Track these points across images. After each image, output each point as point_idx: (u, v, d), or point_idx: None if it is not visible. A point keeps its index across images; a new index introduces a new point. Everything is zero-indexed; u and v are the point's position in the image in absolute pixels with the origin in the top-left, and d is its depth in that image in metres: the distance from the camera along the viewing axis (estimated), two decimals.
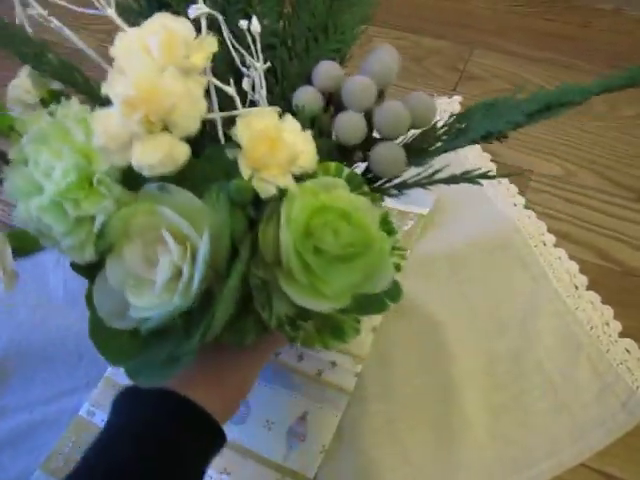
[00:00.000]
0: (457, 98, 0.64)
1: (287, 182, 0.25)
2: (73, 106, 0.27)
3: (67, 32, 0.27)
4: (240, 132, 0.24)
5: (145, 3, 0.32)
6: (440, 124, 0.30)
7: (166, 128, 0.22)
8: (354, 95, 0.28)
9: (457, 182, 0.29)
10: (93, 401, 0.45)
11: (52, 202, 0.26)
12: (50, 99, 0.33)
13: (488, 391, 0.44)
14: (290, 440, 0.43)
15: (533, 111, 0.23)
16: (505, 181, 0.57)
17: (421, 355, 0.47)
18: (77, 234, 0.27)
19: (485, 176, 0.29)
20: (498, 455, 0.40)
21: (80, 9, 0.27)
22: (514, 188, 0.56)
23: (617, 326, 0.45)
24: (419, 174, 0.31)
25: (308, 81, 0.30)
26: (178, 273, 0.27)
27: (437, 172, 0.30)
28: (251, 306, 0.29)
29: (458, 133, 0.26)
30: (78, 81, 0.28)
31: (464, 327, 0.47)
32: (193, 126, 0.22)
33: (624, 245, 0.50)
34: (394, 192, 0.30)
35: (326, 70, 0.28)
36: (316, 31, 0.29)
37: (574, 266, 0.48)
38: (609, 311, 0.45)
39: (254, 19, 0.24)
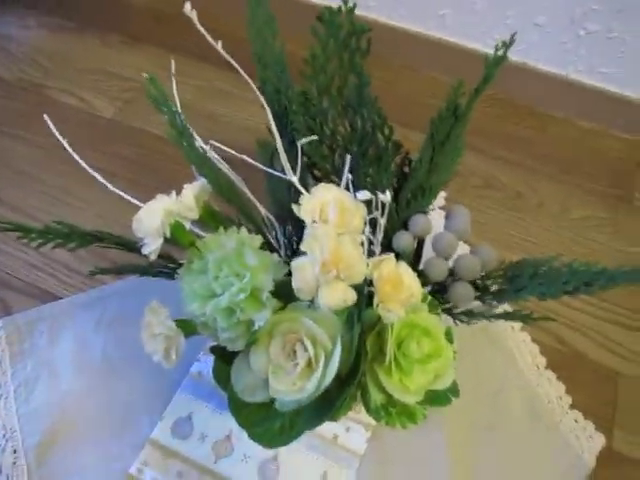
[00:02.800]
0: (442, 194, 0.86)
1: (403, 313, 0.44)
2: (245, 235, 0.44)
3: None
4: (374, 273, 0.43)
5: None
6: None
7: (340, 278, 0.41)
8: (443, 246, 0.47)
9: (511, 319, 0.51)
10: (141, 461, 0.59)
11: (227, 307, 0.43)
12: (205, 217, 0.49)
13: (467, 452, 0.67)
14: None
15: (578, 286, 0.44)
16: None
17: (419, 429, 0.68)
18: (236, 330, 0.44)
19: (536, 318, 0.51)
20: None
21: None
22: None
23: (568, 400, 0.67)
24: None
25: (404, 227, 0.50)
26: (310, 366, 0.46)
27: (495, 307, 0.51)
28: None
29: (513, 282, 0.48)
30: (239, 203, 0.46)
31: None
32: (360, 278, 0.41)
33: (576, 333, 0.73)
34: (462, 317, 0.52)
35: (422, 222, 0.47)
36: (416, 192, 0.50)
37: (535, 348, 0.71)
38: (562, 387, 0.68)
39: (387, 193, 0.43)
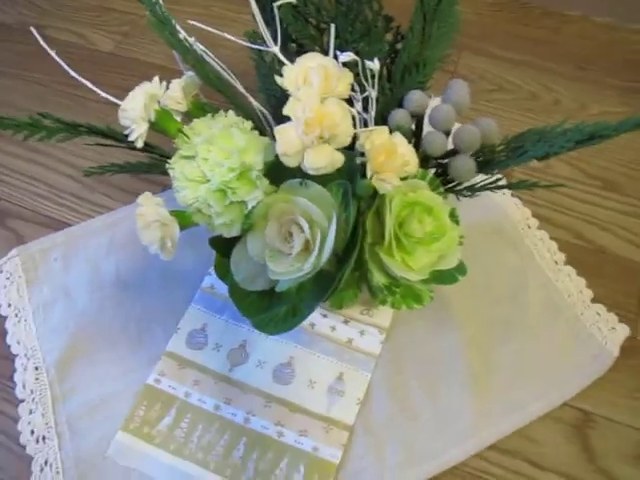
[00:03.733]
0: None
1: (398, 182, 0.43)
2: (232, 117, 0.43)
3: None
4: (366, 144, 0.42)
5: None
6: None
7: (326, 141, 0.39)
8: (439, 119, 0.45)
9: (516, 188, 0.49)
10: (158, 372, 0.60)
11: (218, 189, 0.42)
12: (194, 110, 0.48)
13: (485, 349, 0.66)
14: (331, 396, 0.60)
15: (579, 140, 0.42)
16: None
17: (428, 325, 0.67)
18: (230, 214, 0.43)
19: (543, 185, 0.49)
20: (495, 398, 0.61)
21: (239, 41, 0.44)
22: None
23: (589, 294, 0.65)
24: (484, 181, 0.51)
25: (400, 105, 0.48)
26: (307, 248, 0.45)
27: (500, 179, 0.49)
28: (351, 280, 0.47)
29: (516, 151, 0.46)
30: (229, 93, 0.44)
31: (465, 299, 0.68)
32: (347, 140, 0.39)
33: (594, 227, 0.71)
34: (466, 193, 0.50)
35: (417, 98, 0.45)
36: (410, 66, 0.47)
37: (554, 245, 0.69)
38: (582, 282, 0.66)
39: (376, 60, 0.41)
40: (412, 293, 0.47)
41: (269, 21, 0.48)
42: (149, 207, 0.43)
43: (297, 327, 0.61)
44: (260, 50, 0.51)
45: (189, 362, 0.61)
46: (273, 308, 0.46)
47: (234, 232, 0.44)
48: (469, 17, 0.92)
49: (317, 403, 0.59)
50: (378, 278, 0.45)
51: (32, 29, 0.48)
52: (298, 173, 0.42)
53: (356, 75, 0.43)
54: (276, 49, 0.40)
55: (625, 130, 0.38)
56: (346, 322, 0.63)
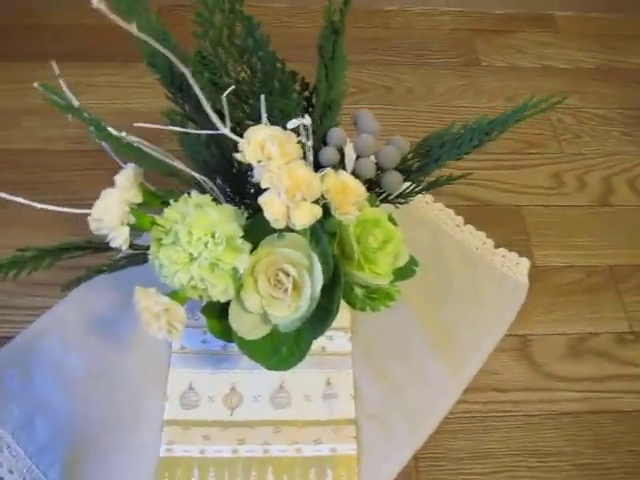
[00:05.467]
0: None
1: (357, 212, 0.50)
2: (198, 197, 0.47)
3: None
4: (323, 188, 0.48)
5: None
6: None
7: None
8: (364, 148, 0.53)
9: (438, 186, 0.59)
10: (167, 442, 0.62)
11: (210, 264, 0.47)
12: (147, 198, 0.50)
13: (430, 313, 0.76)
14: (327, 401, 0.67)
15: (481, 138, 0.52)
16: None
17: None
18: (223, 282, 0.48)
19: (457, 177, 0.59)
20: (454, 349, 0.72)
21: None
22: None
23: (491, 242, 0.79)
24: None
25: (323, 142, 0.55)
26: (297, 287, 0.51)
27: (422, 182, 0.58)
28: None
29: (427, 156, 0.55)
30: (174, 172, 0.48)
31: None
32: (318, 194, 0.45)
33: (475, 187, 0.85)
34: (400, 200, 0.58)
35: (338, 135, 0.52)
36: (324, 109, 0.54)
37: (451, 212, 0.82)
38: (482, 234, 0.79)
39: (306, 116, 0.47)
40: (385, 294, 0.55)
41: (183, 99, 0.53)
42: (148, 299, 0.46)
43: None
44: (181, 122, 0.55)
45: (191, 422, 0.64)
46: (279, 346, 0.51)
47: (230, 295, 0.48)
48: (302, 31, 1.01)
49: (319, 412, 0.66)
50: (357, 291, 0.53)
51: None
52: (271, 229, 0.48)
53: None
54: (227, 130, 0.45)
55: (521, 118, 0.49)
56: None
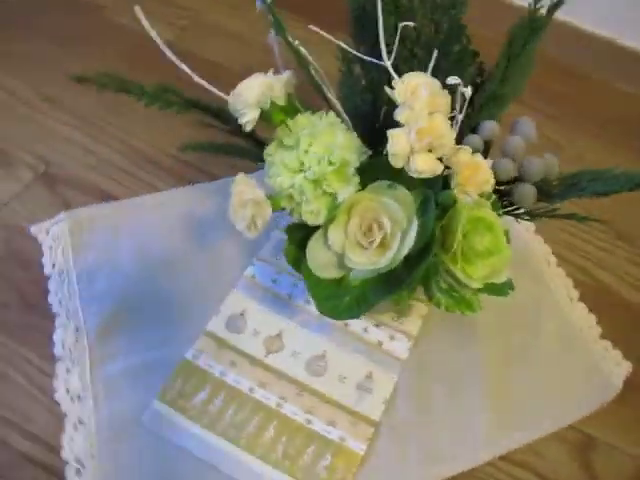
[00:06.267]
0: None
1: (477, 196, 0.47)
2: (333, 117, 0.47)
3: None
4: (453, 159, 0.46)
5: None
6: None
7: (430, 149, 0.43)
8: (512, 148, 0.50)
9: (569, 218, 0.54)
10: (197, 348, 0.63)
11: (315, 180, 0.46)
12: (288, 106, 0.52)
13: (502, 368, 0.70)
14: (359, 392, 0.64)
15: (632, 186, 0.47)
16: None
17: (453, 338, 0.71)
18: (319, 203, 0.47)
19: (591, 219, 0.54)
20: (510, 412, 0.63)
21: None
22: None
23: (598, 330, 0.70)
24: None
25: (472, 131, 0.53)
26: (384, 245, 0.49)
27: (556, 209, 0.54)
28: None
29: (572, 187, 0.51)
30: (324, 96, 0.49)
31: (488, 320, 0.72)
32: (448, 152, 0.43)
33: (605, 271, 0.77)
34: (524, 217, 0.55)
35: (491, 128, 0.49)
36: (490, 99, 0.52)
37: (569, 282, 0.75)
38: (593, 318, 0.71)
39: (469, 87, 0.46)
40: (465, 300, 0.51)
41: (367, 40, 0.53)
42: (246, 186, 0.46)
43: (332, 324, 0.65)
44: (349, 64, 0.56)
45: (227, 343, 0.64)
46: (340, 296, 0.49)
47: (319, 220, 0.47)
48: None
49: (346, 397, 0.62)
50: (441, 281, 0.49)
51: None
52: (386, 178, 0.46)
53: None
54: (389, 64, 0.44)
55: None
56: (377, 326, 0.67)
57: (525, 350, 0.69)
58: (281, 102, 0.50)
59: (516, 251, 0.75)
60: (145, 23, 0.51)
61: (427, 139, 0.41)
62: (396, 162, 0.42)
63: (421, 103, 0.42)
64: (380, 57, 0.50)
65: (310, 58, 0.50)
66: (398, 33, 0.43)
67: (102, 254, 0.69)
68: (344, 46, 0.50)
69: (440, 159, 0.44)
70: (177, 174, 0.78)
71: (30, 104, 0.83)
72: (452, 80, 0.42)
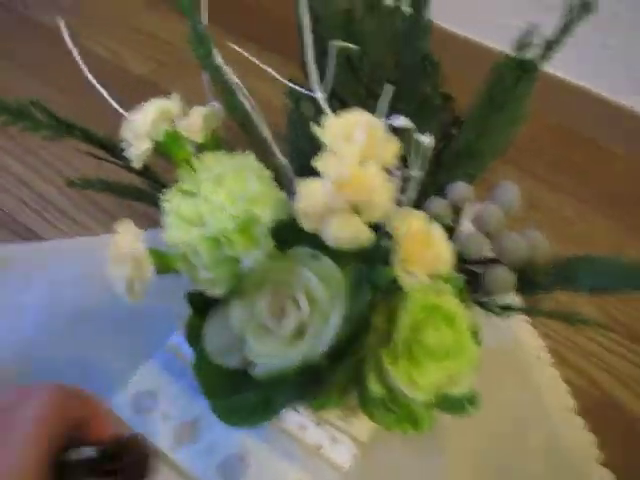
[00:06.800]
0: None
1: (425, 279, 0.36)
2: (250, 159, 0.37)
3: None
4: (398, 227, 0.35)
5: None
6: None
7: (356, 211, 0.32)
8: (486, 220, 0.38)
9: (555, 318, 0.42)
10: None
11: (213, 236, 0.35)
12: (211, 144, 0.42)
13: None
14: None
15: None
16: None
17: (412, 448, 0.56)
18: (219, 269, 0.36)
19: (585, 321, 0.42)
20: None
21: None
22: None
23: (598, 455, 0.56)
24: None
25: (438, 193, 0.42)
26: (300, 332, 0.37)
27: (536, 305, 0.42)
28: (339, 382, 0.39)
29: (563, 276, 0.40)
30: (252, 133, 0.39)
31: (458, 427, 0.59)
32: (379, 215, 0.31)
33: (614, 379, 0.63)
34: (496, 310, 0.42)
35: (462, 191, 0.39)
36: (464, 154, 0.42)
37: (565, 389, 0.61)
38: (592, 439, 0.57)
39: (430, 137, 0.36)
40: (410, 415, 0.39)
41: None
42: (126, 237, 0.36)
43: None
44: (297, 96, 0.46)
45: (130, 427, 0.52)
46: (242, 393, 0.37)
47: (217, 292, 0.36)
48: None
49: None
50: (375, 388, 0.37)
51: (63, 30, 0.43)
52: (309, 243, 0.35)
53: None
54: (321, 96, 0.34)
55: None
56: (318, 424, 0.54)
57: (504, 471, 0.55)
58: (198, 138, 0.40)
59: (501, 345, 0.64)
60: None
61: (348, 194, 0.30)
62: (306, 223, 0.31)
63: (353, 148, 0.31)
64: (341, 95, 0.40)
65: (239, 83, 0.40)
66: (333, 55, 0.33)
67: (8, 301, 0.59)
68: (283, 80, 0.40)
69: (376, 225, 0.33)
70: (118, 216, 0.68)
71: None
72: (399, 121, 0.32)
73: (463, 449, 0.55)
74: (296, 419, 0.54)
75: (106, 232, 0.66)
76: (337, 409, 0.55)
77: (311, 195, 0.30)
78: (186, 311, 0.44)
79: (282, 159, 0.43)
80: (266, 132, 0.41)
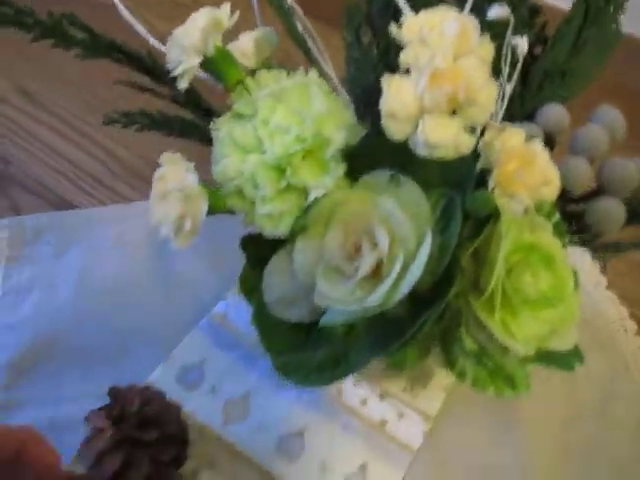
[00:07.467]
0: None
1: (530, 204, 0.30)
2: (313, 76, 0.32)
3: None
4: (495, 143, 0.30)
5: None
6: None
7: (455, 111, 0.27)
8: (587, 142, 0.32)
9: None
10: None
11: (274, 164, 0.30)
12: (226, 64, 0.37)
13: (556, 474, 0.51)
14: None
15: None
16: (588, 260, 0.66)
17: (488, 425, 0.53)
18: (281, 202, 0.31)
19: None
20: None
21: None
22: (595, 267, 0.65)
23: None
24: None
25: (528, 118, 0.36)
26: (378, 273, 0.32)
27: None
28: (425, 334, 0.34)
29: None
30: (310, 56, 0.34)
31: (538, 405, 0.54)
32: (482, 118, 0.26)
33: None
34: (605, 248, 0.37)
35: (556, 114, 0.33)
36: (553, 74, 0.37)
37: None
38: None
39: (525, 39, 0.30)
40: (503, 373, 0.33)
41: None
42: (174, 170, 0.31)
43: (318, 390, 0.48)
44: (358, 27, 0.41)
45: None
46: (308, 349, 0.32)
47: (280, 230, 0.31)
48: None
49: None
50: (467, 340, 0.31)
51: None
52: (389, 163, 0.30)
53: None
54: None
55: None
56: (382, 397, 0.49)
57: (591, 451, 0.49)
58: (249, 63, 0.35)
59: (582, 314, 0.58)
60: None
61: (446, 88, 0.24)
62: (394, 128, 0.26)
63: (446, 40, 0.25)
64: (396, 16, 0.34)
65: (294, 5, 0.36)
66: None
67: (40, 272, 0.55)
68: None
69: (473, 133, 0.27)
70: None
71: (4, 97, 0.72)
72: (496, 10, 0.26)
73: (548, 418, 0.49)
74: (355, 392, 0.49)
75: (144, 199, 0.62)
76: (401, 380, 0.49)
77: (400, 92, 0.25)
78: (233, 276, 0.40)
79: (343, 92, 0.37)
80: (321, 56, 0.36)
